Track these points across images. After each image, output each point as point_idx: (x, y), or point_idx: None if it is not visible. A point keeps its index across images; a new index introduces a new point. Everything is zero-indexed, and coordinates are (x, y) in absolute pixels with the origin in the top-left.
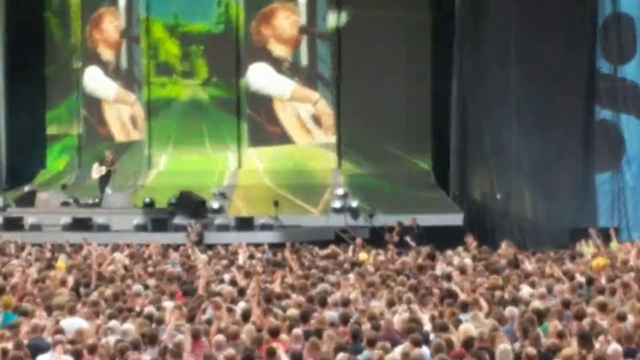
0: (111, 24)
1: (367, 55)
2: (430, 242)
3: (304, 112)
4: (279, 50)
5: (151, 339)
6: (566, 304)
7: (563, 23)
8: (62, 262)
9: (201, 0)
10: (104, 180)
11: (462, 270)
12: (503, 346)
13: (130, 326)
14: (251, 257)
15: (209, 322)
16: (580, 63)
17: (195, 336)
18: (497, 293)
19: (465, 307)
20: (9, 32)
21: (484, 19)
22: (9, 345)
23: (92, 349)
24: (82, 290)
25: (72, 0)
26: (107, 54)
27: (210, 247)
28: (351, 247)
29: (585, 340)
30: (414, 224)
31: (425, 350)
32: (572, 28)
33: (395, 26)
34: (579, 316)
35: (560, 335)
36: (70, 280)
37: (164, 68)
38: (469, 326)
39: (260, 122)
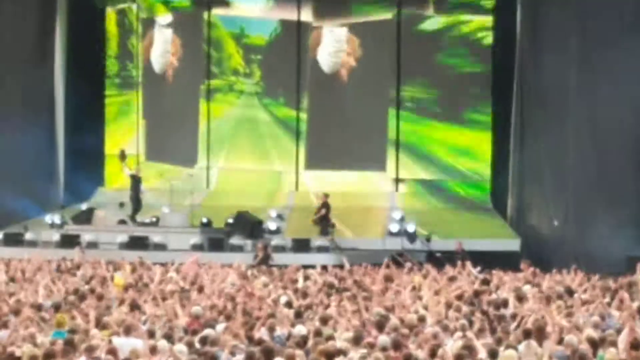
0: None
1: None
2: (483, 267)
3: None
4: None
5: None
6: (621, 332)
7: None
8: (119, 278)
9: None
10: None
11: (520, 297)
12: None
13: (182, 347)
14: (306, 278)
15: (261, 342)
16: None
17: (250, 358)
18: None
19: (528, 335)
20: (69, 50)
21: (543, 47)
22: None
23: None
24: (138, 309)
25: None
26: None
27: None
28: (405, 271)
29: None
30: (458, 248)
31: None
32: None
33: None
34: (635, 346)
35: None
36: (127, 298)
37: (223, 83)
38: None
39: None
